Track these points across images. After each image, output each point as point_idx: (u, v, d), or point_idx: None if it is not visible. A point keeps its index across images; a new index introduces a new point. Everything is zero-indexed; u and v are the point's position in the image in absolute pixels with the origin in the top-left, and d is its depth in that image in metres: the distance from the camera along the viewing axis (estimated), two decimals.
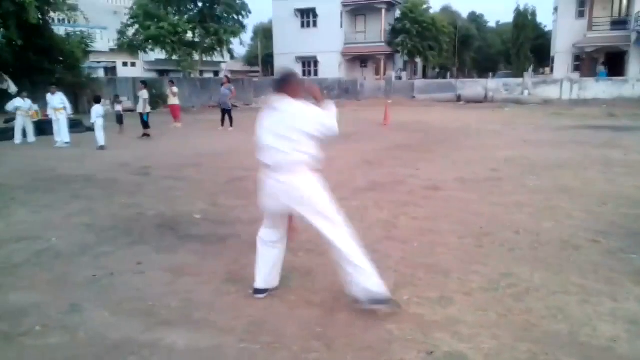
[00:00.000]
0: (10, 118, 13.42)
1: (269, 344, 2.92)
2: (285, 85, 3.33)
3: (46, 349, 2.91)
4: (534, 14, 38.79)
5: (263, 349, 2.88)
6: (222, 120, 16.31)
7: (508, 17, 41.94)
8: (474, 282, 3.71)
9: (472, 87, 29.12)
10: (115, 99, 16.20)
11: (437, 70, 49.00)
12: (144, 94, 14.82)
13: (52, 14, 21.65)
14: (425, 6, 37.36)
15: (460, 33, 45.41)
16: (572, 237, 4.71)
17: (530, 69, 33.28)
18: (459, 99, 27.34)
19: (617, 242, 4.55)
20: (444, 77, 45.06)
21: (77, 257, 4.40)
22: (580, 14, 33.10)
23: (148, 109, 14.56)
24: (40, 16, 19.55)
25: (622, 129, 14.28)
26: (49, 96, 12.92)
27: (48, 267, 4.17)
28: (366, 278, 3.21)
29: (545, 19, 49.31)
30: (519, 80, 28.87)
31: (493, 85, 28.92)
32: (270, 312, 3.32)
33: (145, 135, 14.14)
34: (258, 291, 3.54)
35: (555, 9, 36.53)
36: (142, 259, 4.32)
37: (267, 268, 3.53)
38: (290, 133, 3.17)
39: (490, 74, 45.71)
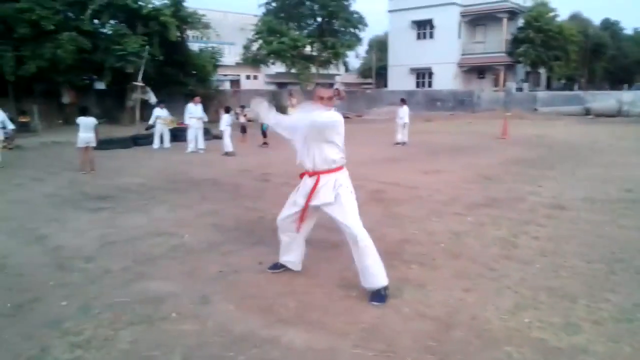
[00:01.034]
0: (151, 125, 14.94)
1: (382, 352, 2.97)
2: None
3: (180, 334, 3.23)
4: None
5: (376, 356, 2.93)
6: None
7: None
8: (605, 310, 3.43)
9: (604, 99, 26.70)
10: (241, 110, 17.35)
11: (562, 81, 45.58)
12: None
13: (188, 32, 23.85)
14: (552, 14, 35.05)
15: (590, 41, 41.89)
16: None
17: None
18: (587, 112, 25.23)
19: None
20: (571, 89, 41.77)
21: (206, 253, 4.82)
22: None
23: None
24: (178, 34, 21.66)
25: None
26: (192, 106, 14.06)
27: (182, 261, 4.62)
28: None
29: None
30: None
31: (629, 97, 26.26)
32: (383, 320, 3.37)
33: (265, 144, 14.95)
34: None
35: None
36: (263, 259, 4.59)
37: None
38: None
39: (626, 85, 41.45)
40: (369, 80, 49.39)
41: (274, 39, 26.62)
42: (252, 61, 29.06)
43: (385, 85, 41.69)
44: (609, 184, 8.09)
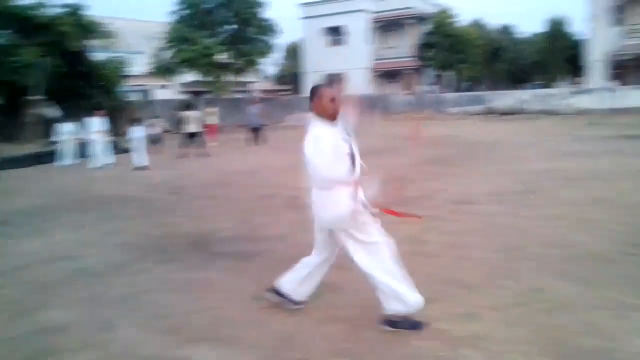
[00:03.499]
0: (53, 141, 13.96)
1: (297, 359, 2.95)
2: (310, 103, 3.24)
3: None
4: (567, 23, 38.08)
5: None
6: (253, 138, 16.61)
7: (541, 28, 41.14)
8: (503, 297, 3.65)
9: (505, 98, 28.69)
10: (153, 121, 16.72)
11: (468, 83, 48.48)
12: (194, 114, 15.21)
13: (92, 41, 22.57)
14: (455, 20, 37.21)
15: (491, 45, 44.91)
16: (606, 250, 4.57)
17: (565, 79, 32.50)
18: (492, 111, 26.97)
19: None
20: (476, 90, 44.48)
21: (112, 275, 4.54)
22: (616, 22, 32.31)
23: (198, 128, 14.96)
24: (80, 43, 20.45)
25: None
26: (94, 120, 13.25)
27: (84, 285, 4.32)
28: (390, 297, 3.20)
29: (579, 28, 48.29)
30: (553, 90, 28.30)
31: (526, 96, 28.42)
32: (297, 327, 3.35)
33: (185, 155, 14.52)
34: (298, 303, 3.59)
35: (590, 17, 35.77)
36: (173, 276, 4.43)
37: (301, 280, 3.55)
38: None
39: (523, 85, 44.87)
40: (286, 87, 49.63)
41: (186, 47, 25.93)
42: (163, 70, 28.06)
43: (303, 92, 42.05)
44: (509, 178, 8.66)
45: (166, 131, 21.65)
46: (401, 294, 3.16)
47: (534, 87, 35.58)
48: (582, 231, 5.23)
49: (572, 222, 5.63)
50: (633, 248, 4.57)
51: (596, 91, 26.99)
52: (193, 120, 15.06)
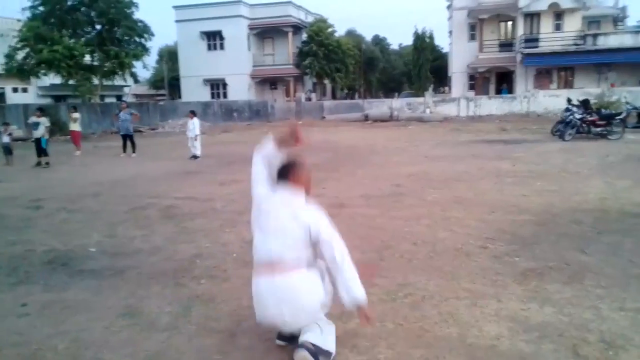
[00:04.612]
0: None
1: None
2: (293, 176, 3.07)
3: None
4: (431, 37, 41.32)
5: None
6: (124, 146, 15.66)
7: (409, 40, 44.21)
8: (374, 294, 3.81)
9: (378, 106, 30.32)
10: (4, 128, 14.93)
11: (345, 91, 50.52)
12: (44, 121, 14.15)
13: None
14: (330, 29, 38.58)
15: (365, 55, 47.28)
16: (465, 244, 5.02)
17: (431, 89, 35.27)
18: (366, 118, 28.33)
19: (504, 246, 4.92)
20: (352, 98, 46.51)
21: None
22: (472, 37, 35.99)
23: (47, 135, 13.99)
24: None
25: (512, 142, 15.53)
26: None
27: None
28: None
29: (442, 41, 52.81)
30: (421, 99, 30.54)
31: (397, 104, 30.30)
32: (168, 344, 3.19)
33: (46, 163, 13.45)
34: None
35: (450, 32, 39.33)
36: (28, 299, 3.98)
37: None
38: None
39: (395, 93, 47.87)
40: (162, 92, 47.69)
41: (45, 46, 23.62)
42: (18, 72, 25.28)
43: (180, 97, 40.65)
44: (382, 181, 9.13)
45: (20, 139, 19.74)
46: None
47: (404, 96, 38.06)
48: (445, 228, 5.68)
49: (436, 220, 6.10)
50: (487, 242, 5.08)
51: (457, 100, 29.72)
52: (40, 127, 14.02)
